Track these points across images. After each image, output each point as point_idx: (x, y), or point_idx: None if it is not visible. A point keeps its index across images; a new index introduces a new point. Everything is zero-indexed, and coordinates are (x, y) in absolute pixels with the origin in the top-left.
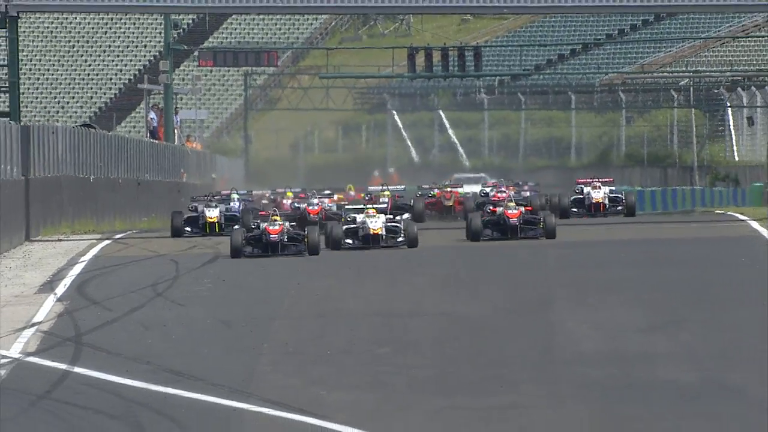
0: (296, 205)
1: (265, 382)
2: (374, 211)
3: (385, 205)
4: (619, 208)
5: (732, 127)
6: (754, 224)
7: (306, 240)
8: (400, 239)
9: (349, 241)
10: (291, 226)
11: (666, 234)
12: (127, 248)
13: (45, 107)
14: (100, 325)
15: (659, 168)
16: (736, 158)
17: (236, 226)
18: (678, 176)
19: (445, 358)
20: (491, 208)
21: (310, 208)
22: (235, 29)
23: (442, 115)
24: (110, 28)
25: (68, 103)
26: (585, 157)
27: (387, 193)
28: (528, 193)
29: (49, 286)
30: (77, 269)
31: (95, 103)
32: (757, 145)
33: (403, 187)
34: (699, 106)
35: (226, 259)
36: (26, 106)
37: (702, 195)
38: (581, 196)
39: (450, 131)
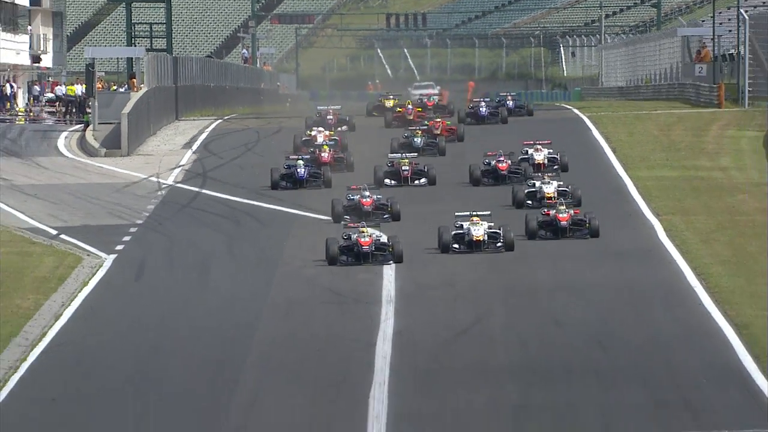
0: (350, 197)
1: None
2: (478, 218)
3: (407, 172)
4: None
5: (563, 58)
6: (576, 110)
7: (391, 249)
8: (499, 244)
9: (456, 246)
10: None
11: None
12: (230, 124)
13: (181, 44)
14: (216, 166)
15: (524, 81)
16: (565, 75)
17: (330, 237)
18: (534, 85)
19: None
20: (545, 211)
21: (364, 200)
22: (291, 3)
23: (406, 52)
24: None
25: (195, 42)
26: (484, 74)
27: (405, 160)
28: (510, 103)
29: (188, 145)
30: (203, 135)
31: (212, 43)
32: (577, 67)
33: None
34: (546, 46)
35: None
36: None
37: (547, 96)
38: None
39: (410, 60)
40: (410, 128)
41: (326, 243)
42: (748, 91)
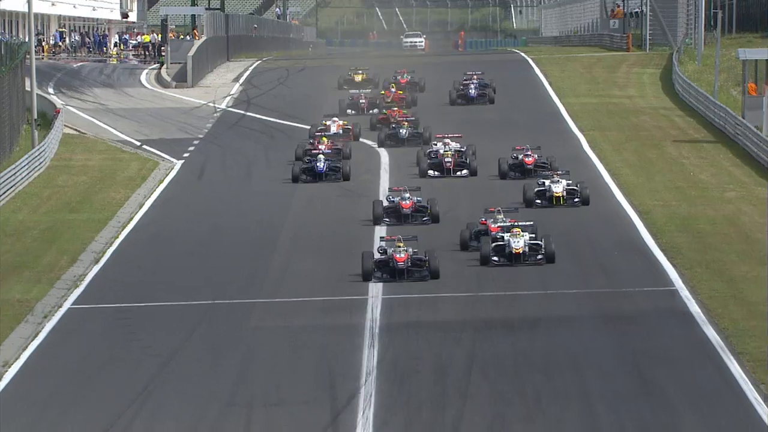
0: (391, 199)
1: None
2: (519, 230)
3: (449, 164)
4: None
5: (513, 15)
6: (522, 54)
7: (428, 265)
8: (539, 257)
9: (495, 258)
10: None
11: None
12: (267, 64)
13: (231, 3)
14: (257, 95)
15: (484, 32)
16: (515, 27)
17: (365, 251)
18: (492, 35)
19: None
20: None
21: (403, 202)
22: None
23: (397, 10)
24: None
25: (241, 3)
26: (454, 28)
27: (449, 152)
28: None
29: (236, 79)
30: (247, 72)
31: (254, 3)
32: (523, 22)
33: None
34: (500, 6)
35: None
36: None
37: (501, 43)
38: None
39: (400, 17)
40: (382, 113)
41: (362, 257)
42: (649, 39)
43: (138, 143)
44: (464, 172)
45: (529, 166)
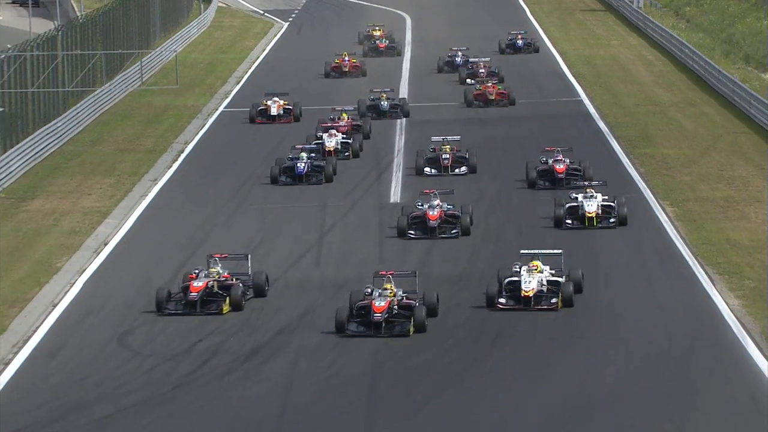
0: (419, 204)
1: None
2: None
3: (447, 161)
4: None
5: None
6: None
7: (412, 319)
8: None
9: (503, 300)
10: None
11: None
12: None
13: None
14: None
15: None
16: None
17: (340, 307)
18: None
19: None
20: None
21: (431, 213)
22: None
23: None
24: None
25: None
26: None
27: (447, 147)
28: (520, 42)
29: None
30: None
31: None
32: None
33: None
34: None
35: None
36: None
37: None
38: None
39: None
40: (375, 90)
41: (336, 312)
42: None
43: (261, 12)
44: (463, 169)
45: (560, 175)
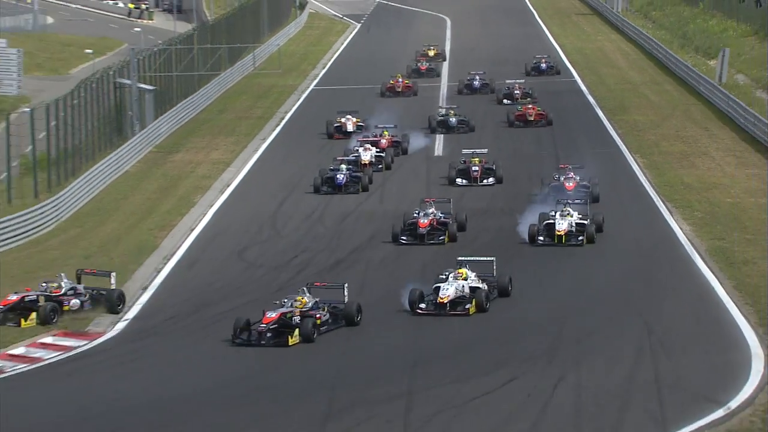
0: (416, 212)
1: None
2: (462, 272)
3: (477, 173)
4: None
5: None
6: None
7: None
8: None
9: (423, 306)
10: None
11: None
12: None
13: None
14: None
15: None
16: None
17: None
18: None
19: None
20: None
21: (422, 221)
22: None
23: None
24: None
25: None
26: None
27: (476, 159)
28: (543, 65)
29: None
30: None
31: None
32: None
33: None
34: None
35: None
36: None
37: None
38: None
39: None
40: (443, 107)
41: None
42: None
43: (341, 16)
44: (491, 180)
45: (569, 192)
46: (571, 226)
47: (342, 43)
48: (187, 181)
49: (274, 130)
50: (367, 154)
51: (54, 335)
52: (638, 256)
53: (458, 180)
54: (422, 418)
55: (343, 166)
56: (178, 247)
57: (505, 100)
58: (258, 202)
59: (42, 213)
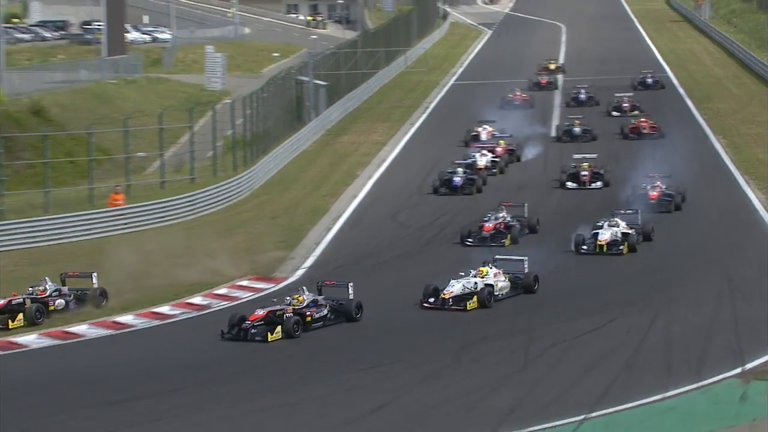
0: (488, 214)
1: None
2: (483, 270)
3: (586, 177)
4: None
5: None
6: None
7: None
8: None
9: (432, 300)
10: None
11: None
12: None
13: None
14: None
15: None
16: None
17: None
18: None
19: None
20: (574, 166)
21: (486, 225)
22: None
23: None
24: None
25: None
26: None
27: (586, 165)
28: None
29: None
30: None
31: None
32: None
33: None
34: None
35: None
36: None
37: None
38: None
39: None
40: (570, 117)
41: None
42: None
43: (476, 24)
44: (598, 184)
45: (652, 201)
46: (615, 235)
47: (476, 47)
48: (351, 158)
49: (420, 117)
50: (483, 159)
51: (249, 279)
52: (720, 220)
53: (568, 183)
54: (540, 349)
55: (460, 170)
56: (344, 211)
57: (613, 113)
58: (407, 174)
59: (239, 183)
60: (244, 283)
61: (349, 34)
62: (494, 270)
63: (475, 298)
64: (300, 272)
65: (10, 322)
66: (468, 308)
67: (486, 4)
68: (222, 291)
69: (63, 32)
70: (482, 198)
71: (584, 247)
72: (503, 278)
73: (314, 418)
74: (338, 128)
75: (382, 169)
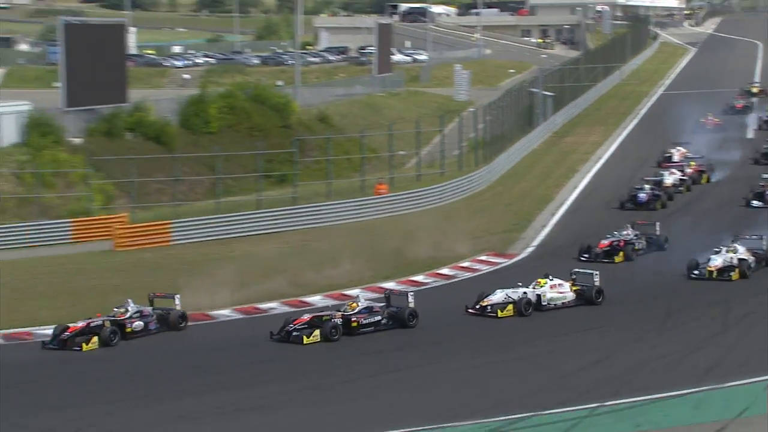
0: (615, 232)
1: None
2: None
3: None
4: None
5: None
6: None
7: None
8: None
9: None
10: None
11: None
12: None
13: None
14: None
15: None
16: None
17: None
18: None
19: None
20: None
21: (602, 242)
22: None
23: None
24: None
25: None
26: None
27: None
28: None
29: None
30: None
31: None
32: None
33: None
34: None
35: None
36: None
37: None
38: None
39: None
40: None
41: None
42: None
43: (682, 43)
44: None
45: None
46: (728, 261)
47: (683, 62)
48: (573, 156)
49: (632, 122)
50: (670, 178)
51: (487, 254)
52: None
53: (753, 201)
54: (736, 318)
55: (647, 186)
56: (566, 199)
57: None
58: (620, 170)
59: (480, 176)
60: (483, 257)
61: (573, 54)
62: (552, 281)
63: (510, 307)
64: (529, 249)
65: (84, 344)
66: (500, 315)
67: (692, 26)
68: (465, 264)
69: (344, 56)
70: (663, 213)
71: (695, 272)
72: (565, 289)
73: (543, 369)
74: (562, 131)
75: (598, 165)
